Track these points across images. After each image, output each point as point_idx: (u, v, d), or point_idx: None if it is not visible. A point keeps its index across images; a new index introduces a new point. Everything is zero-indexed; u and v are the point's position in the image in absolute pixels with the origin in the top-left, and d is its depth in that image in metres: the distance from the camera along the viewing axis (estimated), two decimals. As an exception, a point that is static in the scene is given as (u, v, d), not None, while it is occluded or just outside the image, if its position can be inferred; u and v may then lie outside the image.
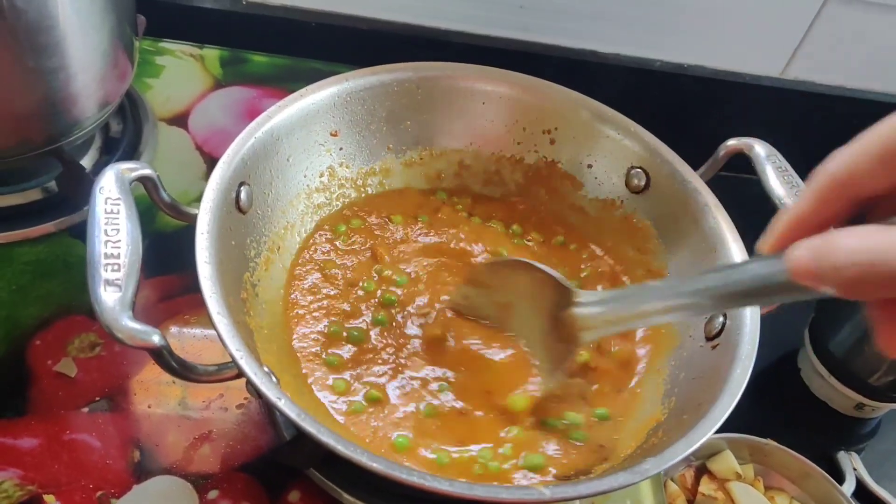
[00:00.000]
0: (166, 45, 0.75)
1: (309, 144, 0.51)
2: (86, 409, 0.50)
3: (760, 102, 0.85)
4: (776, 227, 0.30)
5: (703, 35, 0.80)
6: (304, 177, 0.52)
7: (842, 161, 0.28)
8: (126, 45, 0.58)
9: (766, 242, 0.31)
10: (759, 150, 0.51)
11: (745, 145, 0.51)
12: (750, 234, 0.54)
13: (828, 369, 0.65)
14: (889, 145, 0.27)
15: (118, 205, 0.39)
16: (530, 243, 0.55)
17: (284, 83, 0.74)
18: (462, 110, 0.56)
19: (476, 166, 0.58)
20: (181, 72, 0.73)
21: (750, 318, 0.44)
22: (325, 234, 0.52)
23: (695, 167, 0.52)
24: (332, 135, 0.52)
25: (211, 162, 0.66)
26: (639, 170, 0.54)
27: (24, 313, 0.53)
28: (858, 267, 0.26)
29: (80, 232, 0.58)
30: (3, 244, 0.56)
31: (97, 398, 0.50)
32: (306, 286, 0.50)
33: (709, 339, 0.46)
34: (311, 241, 0.52)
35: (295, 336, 0.47)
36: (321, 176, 0.53)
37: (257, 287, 0.47)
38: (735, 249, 0.47)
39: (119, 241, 0.37)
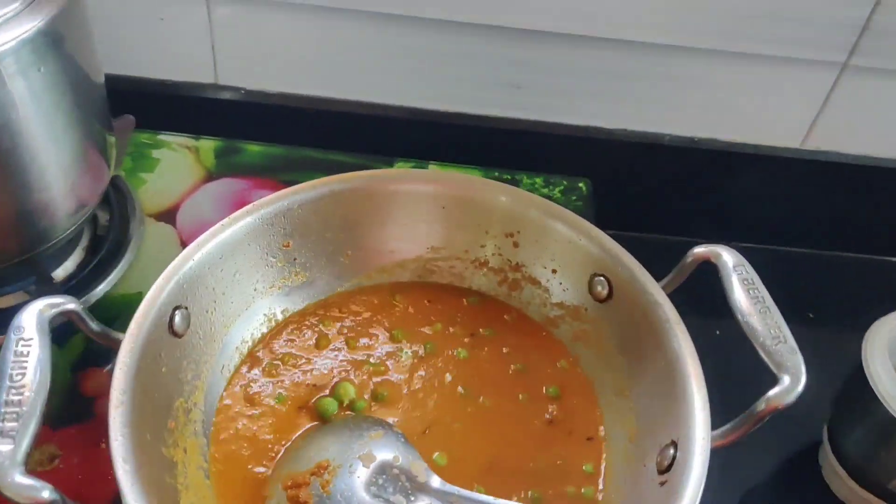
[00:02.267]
0: (164, 137, 0.76)
1: (256, 258, 0.51)
2: (38, 527, 0.50)
3: (779, 174, 0.81)
4: None
5: (711, 109, 0.77)
6: (255, 290, 0.51)
7: None
8: (100, 148, 0.59)
9: None
10: (727, 258, 0.47)
11: (713, 253, 0.48)
12: (719, 351, 0.50)
13: (846, 471, 0.60)
14: None
15: (29, 346, 0.39)
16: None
17: (277, 174, 0.74)
18: (422, 214, 0.55)
19: (438, 269, 0.56)
20: (175, 165, 0.74)
21: (699, 453, 0.41)
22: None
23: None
24: (283, 246, 0.52)
25: (193, 258, 0.66)
26: (601, 277, 0.51)
27: (-8, 423, 0.54)
28: None
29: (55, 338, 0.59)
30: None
31: (50, 515, 0.50)
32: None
33: (660, 472, 0.43)
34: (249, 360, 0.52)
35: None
36: (272, 287, 0.52)
37: (192, 412, 0.46)
38: (693, 381, 0.44)
39: (23, 386, 0.37)
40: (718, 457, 0.43)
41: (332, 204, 0.53)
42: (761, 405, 0.42)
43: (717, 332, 0.49)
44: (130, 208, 0.68)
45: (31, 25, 0.48)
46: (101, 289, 0.62)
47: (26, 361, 0.38)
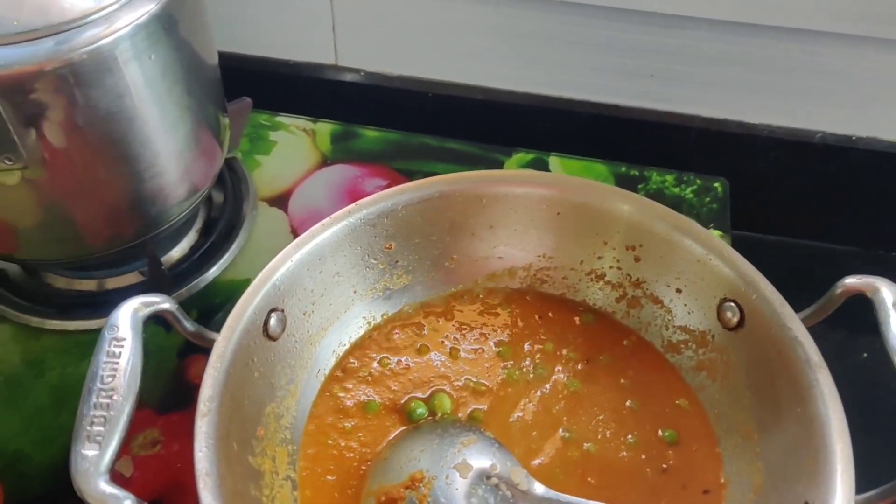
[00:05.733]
0: (282, 119, 0.75)
1: (357, 260, 0.48)
2: (137, 512, 0.50)
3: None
4: None
5: (874, 104, 0.69)
6: (354, 292, 0.49)
7: None
8: (213, 131, 0.58)
9: None
10: (886, 294, 0.41)
11: (868, 287, 0.41)
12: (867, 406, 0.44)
13: None
14: None
15: (122, 346, 0.38)
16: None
17: (391, 161, 0.72)
18: (534, 220, 0.50)
19: (550, 280, 0.52)
20: (291, 148, 0.73)
21: None
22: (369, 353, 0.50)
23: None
24: (386, 248, 0.49)
25: (302, 247, 0.65)
26: (732, 303, 0.45)
27: (101, 403, 0.55)
28: None
29: (160, 319, 0.60)
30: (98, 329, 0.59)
31: (148, 501, 0.51)
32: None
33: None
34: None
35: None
36: (372, 290, 0.50)
37: (283, 418, 0.45)
38: (836, 437, 0.38)
39: (113, 389, 0.37)
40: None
41: (439, 206, 0.49)
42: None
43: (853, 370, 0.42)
44: (245, 191, 0.68)
45: (145, 10, 0.47)
46: (211, 273, 0.62)
47: (117, 363, 0.38)
